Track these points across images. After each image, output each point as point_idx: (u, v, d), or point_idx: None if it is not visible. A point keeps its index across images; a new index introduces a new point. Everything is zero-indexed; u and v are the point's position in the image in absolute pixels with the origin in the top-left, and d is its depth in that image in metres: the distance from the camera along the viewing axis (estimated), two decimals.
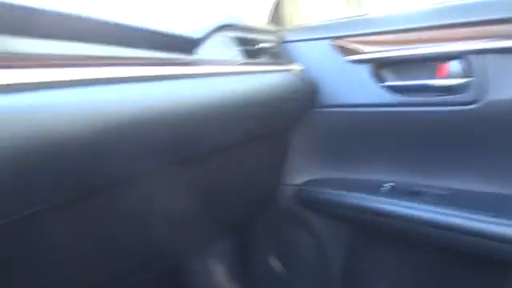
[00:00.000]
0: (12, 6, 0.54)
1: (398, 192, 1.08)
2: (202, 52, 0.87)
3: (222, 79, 0.83)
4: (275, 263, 1.32)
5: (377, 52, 1.08)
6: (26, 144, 0.46)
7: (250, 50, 1.04)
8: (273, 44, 1.14)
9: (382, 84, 1.08)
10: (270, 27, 1.22)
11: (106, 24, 0.67)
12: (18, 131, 0.45)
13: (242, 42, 1.02)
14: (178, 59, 0.78)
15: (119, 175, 0.64)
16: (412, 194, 1.05)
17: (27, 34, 0.57)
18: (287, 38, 1.21)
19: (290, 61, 1.16)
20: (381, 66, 1.09)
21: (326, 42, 1.15)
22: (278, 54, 1.14)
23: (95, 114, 0.54)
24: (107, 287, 0.82)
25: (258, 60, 1.04)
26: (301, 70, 1.14)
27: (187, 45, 0.82)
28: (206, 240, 1.24)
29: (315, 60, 1.17)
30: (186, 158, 0.78)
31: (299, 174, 1.24)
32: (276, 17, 1.27)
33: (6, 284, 0.58)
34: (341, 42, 1.13)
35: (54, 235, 0.61)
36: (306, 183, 1.23)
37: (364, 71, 1.09)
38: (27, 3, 0.56)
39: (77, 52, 0.63)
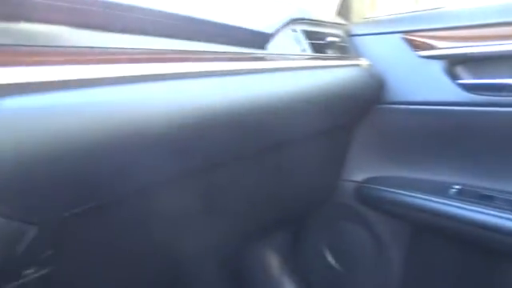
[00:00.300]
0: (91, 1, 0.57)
1: (466, 195, 1.03)
2: (273, 46, 0.87)
3: (292, 74, 0.83)
4: (330, 258, 1.32)
5: (451, 48, 1.03)
6: (103, 135, 0.49)
7: (318, 43, 1.03)
8: (340, 38, 1.12)
9: (455, 81, 1.03)
10: (338, 20, 1.21)
11: (179, 18, 0.69)
12: (99, 120, 0.49)
13: (311, 35, 1.02)
14: (250, 54, 0.80)
15: (195, 165, 0.66)
16: (482, 198, 1.01)
17: (106, 29, 0.60)
18: (355, 32, 1.19)
19: (358, 55, 1.14)
20: (455, 63, 1.04)
21: (397, 36, 1.12)
22: (345, 48, 1.13)
23: (174, 107, 0.57)
24: (180, 270, 0.87)
25: (325, 54, 1.03)
26: (368, 65, 1.12)
27: (259, 39, 0.83)
28: (262, 232, 1.26)
29: (383, 55, 1.14)
30: (251, 151, 0.80)
31: (360, 171, 1.23)
32: (344, 10, 1.25)
33: None
34: (412, 37, 1.09)
35: (111, 228, 0.65)
36: (367, 180, 1.21)
37: (436, 68, 1.05)
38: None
39: (153, 46, 0.65)
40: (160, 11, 0.64)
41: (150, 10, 0.63)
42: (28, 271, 0.57)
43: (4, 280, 0.54)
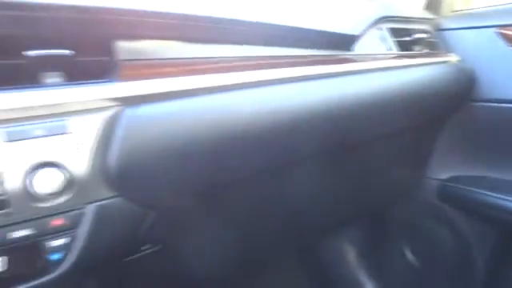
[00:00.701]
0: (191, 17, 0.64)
1: None
2: (359, 47, 0.89)
3: (378, 75, 0.85)
4: (409, 256, 1.32)
5: None
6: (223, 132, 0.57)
7: (405, 40, 1.02)
8: (428, 33, 1.10)
9: None
10: (426, 15, 1.18)
11: (269, 26, 0.74)
12: (213, 121, 0.57)
13: (397, 33, 1.02)
14: (338, 56, 0.83)
15: (291, 159, 0.73)
16: None
17: (203, 41, 0.66)
18: (445, 26, 1.15)
19: (447, 50, 1.11)
20: None
21: (490, 30, 1.07)
22: (433, 44, 1.10)
23: (275, 110, 0.63)
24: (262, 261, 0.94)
25: (413, 52, 1.03)
26: (458, 61, 1.08)
27: (346, 41, 0.86)
28: (342, 226, 1.30)
29: (475, 50, 1.09)
30: (338, 148, 0.84)
31: (444, 169, 1.20)
32: (432, 3, 1.21)
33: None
34: (508, 31, 1.04)
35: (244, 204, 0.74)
36: (451, 179, 1.19)
37: None
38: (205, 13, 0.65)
39: (247, 54, 0.71)
40: (252, 22, 0.70)
41: (243, 21, 0.69)
42: (145, 247, 0.67)
43: (126, 253, 0.65)
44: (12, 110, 0.45)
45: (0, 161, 0.43)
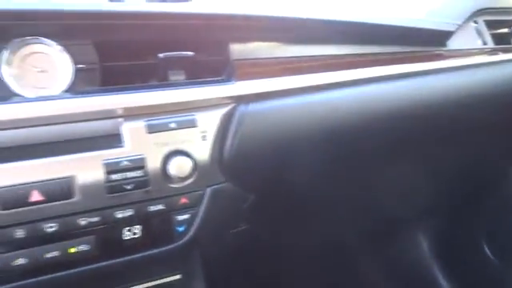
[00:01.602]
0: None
1: None
2: (453, 42, 0.89)
3: (473, 71, 0.84)
4: (487, 250, 1.30)
5: None
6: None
7: (502, 33, 0.99)
8: None
9: None
10: None
11: (364, 25, 0.76)
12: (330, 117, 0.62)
13: (494, 25, 0.98)
14: (432, 52, 0.83)
15: (383, 153, 0.77)
16: None
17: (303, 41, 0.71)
18: None
19: None
20: None
21: None
22: None
23: (371, 107, 0.67)
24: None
25: (509, 45, 0.99)
26: None
27: (441, 37, 0.86)
28: (418, 218, 1.31)
29: None
30: (426, 141, 0.86)
31: None
32: None
33: None
34: None
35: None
36: None
37: None
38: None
39: (342, 52, 0.75)
40: (347, 21, 0.73)
41: (340, 21, 0.73)
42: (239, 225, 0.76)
43: (226, 229, 0.74)
44: (152, 106, 0.54)
45: (143, 148, 0.53)
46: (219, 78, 0.61)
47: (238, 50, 0.65)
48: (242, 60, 0.65)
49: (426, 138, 0.81)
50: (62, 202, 0.49)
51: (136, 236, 0.55)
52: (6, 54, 0.52)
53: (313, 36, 0.72)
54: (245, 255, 0.90)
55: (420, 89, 0.73)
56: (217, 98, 0.58)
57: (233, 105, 0.59)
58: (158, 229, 0.56)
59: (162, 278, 0.66)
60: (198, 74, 0.63)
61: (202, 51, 0.63)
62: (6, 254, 0.49)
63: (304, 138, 0.64)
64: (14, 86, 0.52)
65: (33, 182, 0.48)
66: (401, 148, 0.78)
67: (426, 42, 0.83)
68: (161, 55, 0.60)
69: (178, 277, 0.67)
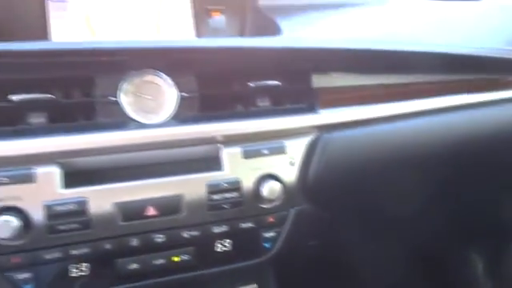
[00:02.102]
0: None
1: None
2: None
3: None
4: None
5: None
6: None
7: None
8: None
9: None
10: None
11: (442, 55, 0.78)
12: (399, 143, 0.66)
13: None
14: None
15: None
16: None
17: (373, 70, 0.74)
18: None
19: None
20: None
21: None
22: None
23: (451, 136, 0.71)
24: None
25: None
26: None
27: None
28: (473, 236, 1.29)
29: None
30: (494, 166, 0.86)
31: None
32: None
33: None
34: None
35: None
36: None
37: None
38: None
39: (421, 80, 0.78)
40: (428, 52, 0.76)
41: (421, 52, 0.75)
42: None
43: (303, 245, 0.78)
44: (247, 134, 0.61)
45: (239, 172, 0.59)
46: (304, 107, 0.66)
47: (320, 78, 0.70)
48: (324, 88, 0.69)
49: (504, 163, 0.83)
50: (170, 216, 0.56)
51: (227, 249, 0.61)
52: (124, 84, 0.60)
53: (392, 65, 0.75)
54: (316, 267, 0.95)
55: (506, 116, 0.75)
56: (304, 127, 0.63)
57: (317, 133, 0.64)
58: (247, 244, 0.62)
59: (240, 287, 0.72)
60: (282, 100, 0.69)
61: (287, 80, 0.69)
62: (122, 259, 0.56)
63: (381, 164, 0.68)
64: (130, 112, 0.60)
65: (149, 199, 0.55)
66: (476, 172, 0.80)
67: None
68: (251, 84, 0.66)
69: (254, 286, 0.73)
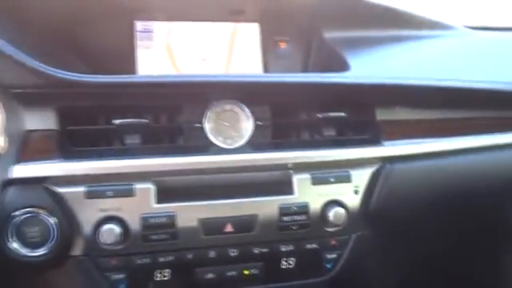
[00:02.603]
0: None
1: None
2: None
3: None
4: None
5: None
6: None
7: None
8: None
9: None
10: None
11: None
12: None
13: None
14: None
15: None
16: None
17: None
18: None
19: None
20: None
21: None
22: None
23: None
24: None
25: None
26: None
27: None
28: None
29: None
30: None
31: None
32: None
33: None
34: None
35: None
36: None
37: None
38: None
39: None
40: (491, 89, 0.79)
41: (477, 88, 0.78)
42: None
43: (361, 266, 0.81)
44: (316, 162, 0.66)
45: (308, 197, 0.65)
46: (369, 138, 0.71)
47: (384, 111, 0.74)
48: (388, 121, 0.74)
49: None
50: (245, 233, 0.63)
51: (292, 267, 0.67)
52: (207, 112, 0.68)
53: (458, 100, 0.78)
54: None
55: None
56: (368, 158, 0.68)
57: (381, 164, 0.69)
58: (310, 263, 0.68)
59: None
60: (348, 131, 0.74)
61: (353, 112, 0.74)
62: (200, 269, 0.63)
63: (440, 196, 0.71)
64: (212, 137, 0.68)
65: (227, 217, 0.62)
66: None
67: None
68: (319, 115, 0.72)
69: None
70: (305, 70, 0.91)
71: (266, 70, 0.89)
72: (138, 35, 0.85)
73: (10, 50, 0.56)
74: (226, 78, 0.69)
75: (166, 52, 0.86)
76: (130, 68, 0.82)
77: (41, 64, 0.57)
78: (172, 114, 0.68)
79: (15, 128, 0.60)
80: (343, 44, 0.87)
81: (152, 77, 0.72)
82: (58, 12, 0.75)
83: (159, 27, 0.86)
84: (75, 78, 0.59)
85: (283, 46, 0.93)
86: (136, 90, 0.64)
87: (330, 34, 0.89)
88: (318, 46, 0.91)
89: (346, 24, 0.89)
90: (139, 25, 0.85)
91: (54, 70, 0.58)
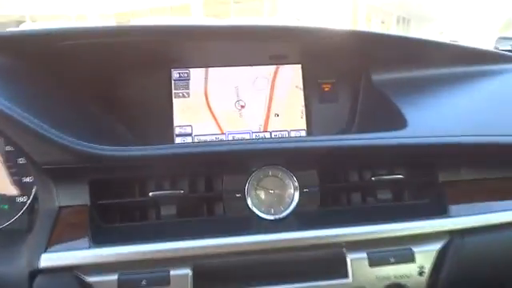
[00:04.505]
0: None
1: None
2: None
3: None
4: None
5: None
6: None
7: None
8: None
9: None
10: None
11: None
12: None
13: None
14: None
15: None
16: None
17: None
18: None
19: None
20: None
21: None
22: None
23: None
24: None
25: None
26: None
27: None
28: None
29: None
30: None
31: None
32: None
33: None
34: None
35: None
36: None
37: None
38: None
39: None
40: None
41: None
42: None
43: None
44: (372, 240, 0.58)
45: (365, 280, 0.57)
46: (432, 206, 0.62)
47: (446, 171, 0.65)
48: (450, 182, 0.65)
49: None
50: None
51: None
52: (249, 180, 0.61)
53: None
54: None
55: None
56: (434, 232, 0.59)
57: (449, 238, 0.59)
58: None
59: None
60: (406, 195, 0.65)
61: (411, 173, 0.65)
62: None
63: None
64: (254, 208, 0.61)
65: None
66: None
67: None
68: (373, 178, 0.64)
69: None
70: (352, 116, 0.83)
71: (309, 115, 0.82)
72: (175, 83, 0.81)
73: (35, 124, 0.52)
74: (270, 145, 0.62)
75: (203, 99, 0.81)
76: (168, 119, 0.78)
77: (68, 138, 0.53)
78: (210, 182, 0.62)
79: (46, 205, 0.56)
80: (394, 87, 0.78)
81: (186, 146, 0.66)
82: (94, 63, 0.71)
83: (196, 74, 0.82)
84: (105, 153, 0.54)
85: (327, 89, 0.86)
86: (169, 163, 0.58)
87: (378, 76, 0.81)
88: (365, 90, 0.83)
89: (396, 64, 0.81)
90: (175, 73, 0.81)
91: (82, 144, 0.54)
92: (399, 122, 0.67)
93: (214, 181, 0.61)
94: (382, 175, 0.64)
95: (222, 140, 0.77)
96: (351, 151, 0.62)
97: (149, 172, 0.60)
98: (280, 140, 0.66)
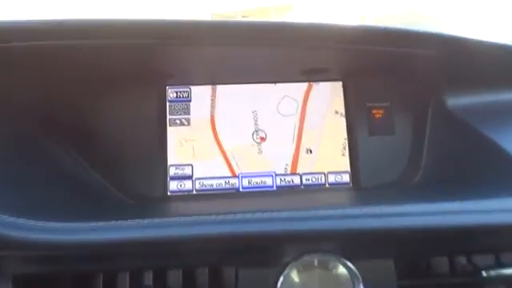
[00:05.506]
0: None
1: None
2: None
3: None
4: None
5: None
6: None
7: None
8: None
9: None
10: None
11: None
12: None
13: None
14: None
15: None
16: None
17: None
18: None
19: None
20: None
21: None
22: None
23: None
24: None
25: None
26: None
27: None
28: None
29: None
30: None
31: None
32: None
33: None
34: None
35: None
36: None
37: None
38: None
39: None
40: None
41: None
42: None
43: None
44: None
45: None
46: None
47: None
48: None
49: None
50: None
51: None
52: (282, 278, 0.38)
53: None
54: None
55: None
56: None
57: None
58: None
59: None
60: None
61: None
62: None
63: None
64: None
65: None
66: None
67: None
68: (484, 274, 0.41)
69: None
70: (416, 155, 0.60)
71: (354, 151, 0.61)
72: (170, 106, 0.61)
73: None
74: (317, 223, 0.37)
75: (209, 128, 0.61)
76: (160, 156, 0.58)
77: None
78: (216, 279, 0.38)
79: None
80: (480, 115, 0.55)
81: (173, 224, 0.40)
82: (44, 78, 0.49)
83: (199, 93, 0.61)
84: (29, 237, 0.31)
85: (379, 115, 0.63)
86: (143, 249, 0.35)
87: (455, 101, 0.58)
88: (436, 118, 0.59)
89: (479, 85, 0.58)
90: (171, 92, 0.61)
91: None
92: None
93: (221, 277, 0.37)
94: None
95: (233, 187, 0.54)
96: (453, 232, 0.38)
97: (109, 264, 0.36)
98: (329, 214, 0.41)
